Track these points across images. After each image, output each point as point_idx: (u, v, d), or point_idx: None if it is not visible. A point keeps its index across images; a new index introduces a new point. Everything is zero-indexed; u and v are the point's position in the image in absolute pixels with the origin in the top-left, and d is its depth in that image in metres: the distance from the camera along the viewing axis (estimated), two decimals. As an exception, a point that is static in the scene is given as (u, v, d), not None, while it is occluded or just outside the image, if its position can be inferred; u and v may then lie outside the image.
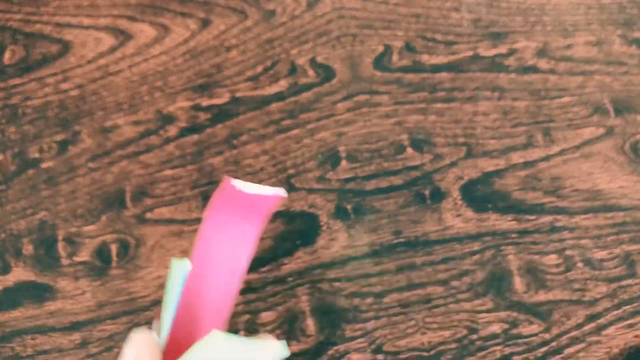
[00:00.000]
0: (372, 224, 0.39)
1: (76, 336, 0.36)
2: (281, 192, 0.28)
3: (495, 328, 0.35)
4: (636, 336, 0.35)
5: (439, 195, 0.40)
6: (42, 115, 0.43)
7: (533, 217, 0.39)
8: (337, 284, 0.37)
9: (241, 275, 0.27)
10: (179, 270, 0.27)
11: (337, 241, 0.38)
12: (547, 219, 0.39)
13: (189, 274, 0.26)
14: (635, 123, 0.42)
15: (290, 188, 0.40)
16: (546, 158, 0.41)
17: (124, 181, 0.41)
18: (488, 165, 0.41)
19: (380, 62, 0.45)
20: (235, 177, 0.41)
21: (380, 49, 0.45)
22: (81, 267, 0.38)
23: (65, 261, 0.38)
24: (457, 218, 0.39)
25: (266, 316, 0.36)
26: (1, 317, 0.37)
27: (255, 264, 0.38)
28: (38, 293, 0.37)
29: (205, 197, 0.40)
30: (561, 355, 0.35)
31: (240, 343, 0.24)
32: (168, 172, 0.41)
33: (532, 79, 0.44)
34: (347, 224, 0.39)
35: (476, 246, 0.38)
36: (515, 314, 0.36)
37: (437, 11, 0.47)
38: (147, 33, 0.46)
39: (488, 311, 0.36)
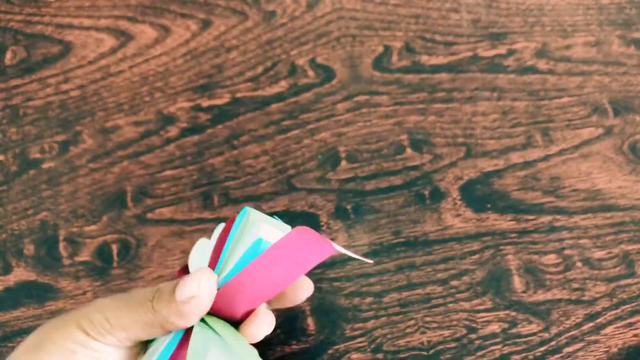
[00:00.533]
0: (371, 224, 0.39)
1: (77, 336, 0.36)
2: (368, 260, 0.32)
3: (495, 327, 0.36)
4: (635, 335, 0.35)
5: (438, 195, 0.40)
6: (43, 115, 0.44)
7: (532, 217, 0.39)
8: (337, 283, 0.37)
9: (300, 275, 0.29)
10: (256, 242, 0.28)
11: (337, 241, 0.38)
12: (546, 218, 0.39)
13: (267, 249, 0.28)
14: (634, 123, 0.42)
15: (291, 188, 0.40)
16: (545, 158, 0.41)
17: (125, 181, 0.41)
18: (487, 165, 0.41)
19: (380, 62, 0.45)
20: (236, 177, 0.41)
21: (380, 49, 0.45)
22: (82, 267, 0.38)
23: (66, 261, 0.38)
24: (456, 218, 0.39)
25: (266, 316, 0.36)
26: (3, 316, 0.37)
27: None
28: (39, 293, 0.37)
29: (206, 197, 0.40)
30: (560, 355, 0.35)
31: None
32: (169, 172, 0.41)
33: (531, 80, 0.44)
34: (347, 224, 0.39)
35: (475, 246, 0.38)
36: (514, 314, 0.36)
37: (436, 12, 0.47)
38: (148, 34, 0.46)
39: (487, 310, 0.36)
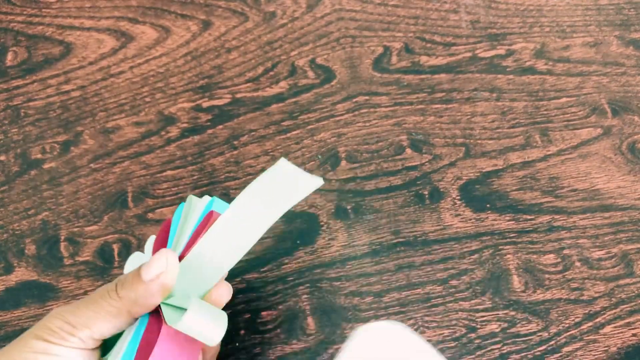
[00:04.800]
0: (371, 224, 0.39)
1: (78, 335, 0.36)
2: None
3: (494, 327, 0.36)
4: (634, 335, 0.35)
5: (437, 195, 0.40)
6: (44, 116, 0.44)
7: (531, 216, 0.39)
8: (336, 283, 0.37)
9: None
10: (208, 204, 0.31)
11: (336, 241, 0.38)
12: (545, 218, 0.39)
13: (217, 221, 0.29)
14: (632, 123, 0.42)
15: (291, 188, 0.40)
16: (544, 158, 0.41)
17: (126, 182, 0.41)
18: (486, 165, 0.41)
19: (380, 63, 0.45)
20: (236, 178, 0.41)
21: (380, 50, 0.45)
22: (83, 267, 0.38)
23: (67, 261, 0.38)
24: (455, 218, 0.39)
25: (267, 315, 0.36)
26: (4, 316, 0.37)
27: (256, 264, 0.38)
28: (40, 293, 0.38)
29: (206, 198, 0.40)
30: (559, 354, 0.35)
31: (300, 171, 0.30)
32: (169, 172, 0.41)
33: (530, 80, 0.44)
34: (346, 223, 0.39)
35: (475, 246, 0.38)
36: (513, 313, 0.36)
37: (435, 13, 0.47)
38: (149, 35, 0.47)
39: (486, 310, 0.36)
